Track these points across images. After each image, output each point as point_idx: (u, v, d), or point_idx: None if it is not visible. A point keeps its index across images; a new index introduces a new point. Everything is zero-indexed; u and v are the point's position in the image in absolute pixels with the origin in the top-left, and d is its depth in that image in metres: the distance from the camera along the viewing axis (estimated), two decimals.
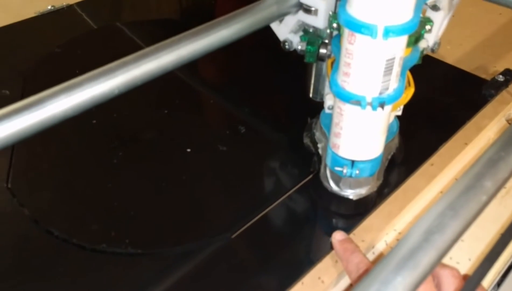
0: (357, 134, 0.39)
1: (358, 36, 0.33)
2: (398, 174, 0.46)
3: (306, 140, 0.49)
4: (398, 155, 0.47)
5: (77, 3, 0.74)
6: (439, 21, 0.43)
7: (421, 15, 0.36)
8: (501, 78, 0.57)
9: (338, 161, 0.41)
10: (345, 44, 0.34)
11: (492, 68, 0.61)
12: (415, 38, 0.38)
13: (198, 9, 0.80)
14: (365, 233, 0.41)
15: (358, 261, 0.35)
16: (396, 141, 0.47)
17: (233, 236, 0.41)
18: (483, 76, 0.59)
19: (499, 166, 0.29)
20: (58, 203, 0.45)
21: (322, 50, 0.43)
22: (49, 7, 0.73)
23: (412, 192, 0.45)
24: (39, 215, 0.43)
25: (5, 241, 0.41)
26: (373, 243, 0.42)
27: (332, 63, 0.41)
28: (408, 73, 0.42)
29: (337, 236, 0.39)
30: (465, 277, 0.33)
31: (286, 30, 0.45)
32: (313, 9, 0.41)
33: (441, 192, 0.47)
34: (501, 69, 0.59)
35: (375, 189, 0.44)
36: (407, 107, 0.44)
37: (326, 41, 0.43)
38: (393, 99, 0.36)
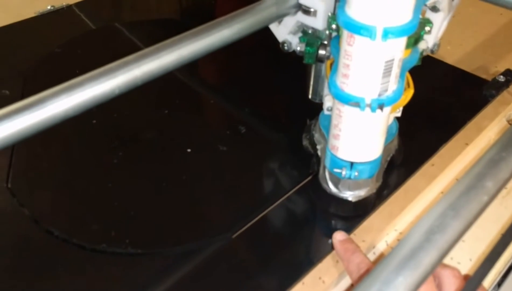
0: (356, 136, 0.38)
1: (357, 37, 0.33)
2: (397, 175, 0.46)
3: (305, 142, 0.49)
4: (397, 157, 0.47)
5: (77, 3, 0.74)
6: (439, 22, 0.43)
7: (420, 16, 0.35)
8: (501, 78, 0.57)
9: (337, 162, 0.41)
10: (344, 45, 0.34)
11: (493, 69, 0.61)
12: (414, 40, 0.38)
13: (198, 9, 0.79)
14: (365, 233, 0.41)
15: (359, 261, 0.35)
16: (395, 143, 0.47)
17: (234, 236, 0.41)
18: (483, 76, 0.59)
19: (500, 166, 0.29)
20: (58, 203, 0.45)
21: (321, 52, 0.42)
22: (49, 7, 0.73)
23: (413, 192, 0.45)
24: (39, 215, 0.43)
25: (5, 241, 0.41)
26: (374, 243, 0.42)
27: (331, 64, 0.41)
28: (408, 75, 0.42)
29: (338, 236, 0.39)
30: (466, 277, 0.33)
31: (285, 31, 0.45)
32: (312, 10, 0.41)
33: (442, 192, 0.47)
34: (502, 69, 0.59)
35: (374, 190, 0.44)
36: (407, 108, 0.44)
37: (325, 42, 0.43)
38: (392, 101, 0.36)
